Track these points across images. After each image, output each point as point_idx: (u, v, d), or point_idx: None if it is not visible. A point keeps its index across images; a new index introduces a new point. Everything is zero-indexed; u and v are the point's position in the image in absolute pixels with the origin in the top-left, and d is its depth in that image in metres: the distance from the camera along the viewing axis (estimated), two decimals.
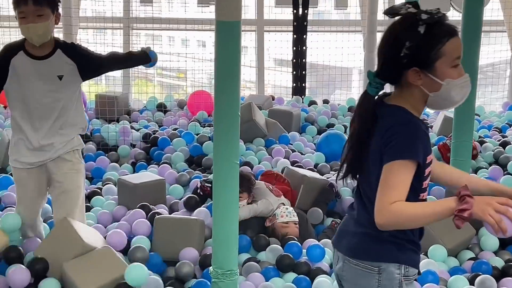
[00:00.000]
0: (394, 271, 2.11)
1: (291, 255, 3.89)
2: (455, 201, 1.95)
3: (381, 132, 2.05)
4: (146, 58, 3.95)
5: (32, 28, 3.40)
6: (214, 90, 3.23)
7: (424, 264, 3.86)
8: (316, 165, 5.88)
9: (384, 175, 2.00)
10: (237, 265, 3.34)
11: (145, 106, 7.82)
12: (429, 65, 2.02)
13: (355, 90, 9.32)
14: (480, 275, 3.71)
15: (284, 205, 4.42)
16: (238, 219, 3.29)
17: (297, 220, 4.29)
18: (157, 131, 6.67)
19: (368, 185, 2.10)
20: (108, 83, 8.42)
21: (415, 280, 2.22)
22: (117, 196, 4.95)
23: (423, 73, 2.03)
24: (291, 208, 4.37)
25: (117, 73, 8.77)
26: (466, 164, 4.68)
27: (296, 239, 4.11)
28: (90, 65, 3.65)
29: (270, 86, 9.43)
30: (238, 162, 3.20)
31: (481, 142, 6.56)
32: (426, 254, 4.05)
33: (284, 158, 5.93)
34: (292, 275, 3.80)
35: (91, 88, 8.07)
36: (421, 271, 3.73)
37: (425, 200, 2.14)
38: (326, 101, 8.17)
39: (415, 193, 2.07)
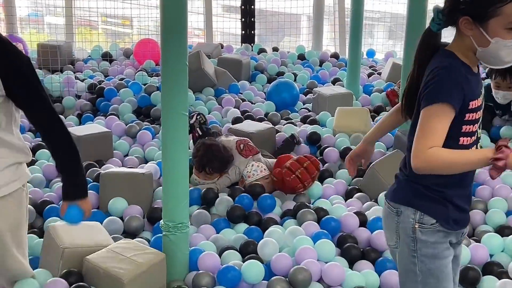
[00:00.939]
0: (409, 215, 2.21)
1: (241, 206, 3.87)
2: (492, 151, 2.00)
3: (425, 75, 2.09)
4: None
5: None
6: (160, 39, 3.12)
7: (374, 211, 3.92)
8: (266, 114, 5.86)
9: (422, 120, 2.04)
10: (188, 218, 3.30)
11: (89, 56, 7.58)
12: (483, 19, 2.01)
13: (305, 37, 9.24)
14: None
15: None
16: (187, 171, 3.24)
17: (267, 173, 4.22)
18: (103, 81, 6.49)
19: (412, 128, 2.16)
20: (50, 31, 8.12)
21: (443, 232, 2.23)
22: None
23: (475, 25, 2.03)
24: (258, 163, 4.27)
25: (60, 21, 8.46)
26: None
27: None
28: (18, 86, 2.46)
29: (219, 33, 9.26)
30: (187, 113, 3.13)
31: None
32: (376, 201, 4.10)
33: (234, 107, 5.89)
34: (243, 226, 3.80)
35: (32, 37, 7.77)
36: (370, 218, 3.78)
37: (467, 145, 2.16)
38: (275, 49, 8.09)
39: (454, 138, 2.11)
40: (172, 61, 3.04)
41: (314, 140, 5.06)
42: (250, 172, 4.22)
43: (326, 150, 4.81)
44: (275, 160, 4.33)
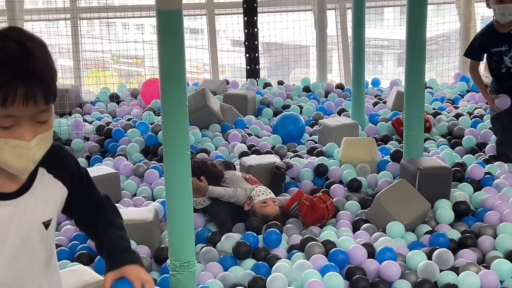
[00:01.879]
0: None
1: (247, 242, 3.87)
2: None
3: None
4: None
5: (25, 148, 1.49)
6: (160, 83, 3.17)
7: (382, 241, 3.90)
8: (273, 147, 5.89)
9: None
10: (195, 256, 3.31)
11: (97, 98, 7.68)
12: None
13: (314, 69, 9.27)
14: (437, 248, 3.76)
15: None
16: (191, 210, 3.26)
17: (275, 197, 4.35)
18: (111, 122, 6.56)
19: None
20: (62, 74, 8.23)
21: None
22: None
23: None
24: (266, 187, 4.41)
25: (69, 63, 8.57)
26: (419, 139, 4.74)
27: (278, 223, 4.14)
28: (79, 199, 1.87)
29: (227, 66, 9.37)
30: (189, 153, 3.16)
31: (435, 115, 6.64)
32: (384, 231, 4.09)
33: (240, 142, 5.92)
34: (250, 262, 3.79)
35: None
36: (378, 249, 3.77)
37: None
38: (281, 82, 8.15)
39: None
40: (172, 103, 3.09)
41: (321, 172, 5.06)
42: (260, 191, 4.30)
43: (333, 186, 4.82)
44: (284, 197, 4.51)
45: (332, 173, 5.06)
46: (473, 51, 5.29)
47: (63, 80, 7.98)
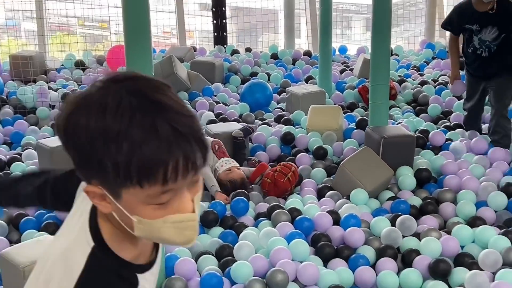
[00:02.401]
0: None
1: (215, 211, 3.92)
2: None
3: None
4: None
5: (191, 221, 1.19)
6: (125, 48, 3.14)
7: (346, 208, 3.98)
8: (241, 115, 5.91)
9: None
10: None
11: (62, 65, 7.55)
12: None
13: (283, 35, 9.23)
14: (400, 215, 3.85)
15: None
16: None
17: (237, 164, 4.41)
18: (76, 90, 6.47)
19: None
20: (28, 39, 8.03)
21: None
22: (37, 161, 4.84)
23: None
24: (228, 158, 4.45)
25: (33, 26, 8.36)
26: (384, 107, 4.80)
27: (245, 191, 4.18)
28: None
29: (195, 32, 9.28)
30: None
31: (400, 82, 6.71)
32: (348, 198, 4.17)
33: (208, 110, 5.93)
34: (218, 230, 3.85)
35: (3, 48, 7.73)
36: (343, 216, 3.85)
37: None
38: (248, 49, 8.12)
39: None
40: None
41: (288, 140, 5.11)
42: (222, 162, 4.36)
43: (299, 155, 4.87)
44: (248, 168, 4.53)
45: (298, 141, 5.11)
46: (448, 24, 5.13)
47: (27, 46, 7.81)
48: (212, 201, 4.08)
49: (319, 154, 4.85)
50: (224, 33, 8.28)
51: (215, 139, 4.62)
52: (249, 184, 4.36)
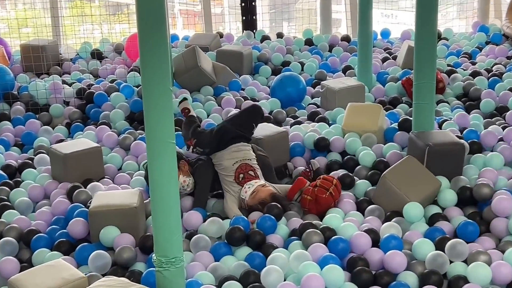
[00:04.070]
0: None
1: (241, 227, 3.91)
2: None
3: None
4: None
5: None
6: (139, 41, 3.11)
7: (387, 227, 3.93)
8: (271, 112, 5.87)
9: None
10: (182, 251, 3.33)
11: (77, 54, 7.60)
12: None
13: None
14: (447, 237, 3.78)
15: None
16: (178, 202, 3.26)
17: (263, 182, 4.33)
18: (93, 84, 6.51)
19: None
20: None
21: None
22: (50, 167, 4.89)
23: None
24: (250, 182, 4.35)
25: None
26: (429, 108, 4.70)
27: (278, 205, 4.14)
28: None
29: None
30: (174, 141, 3.14)
31: (449, 73, 6.57)
32: (394, 214, 4.10)
33: (235, 108, 5.89)
34: (244, 251, 3.84)
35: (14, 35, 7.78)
36: (383, 236, 3.79)
37: None
38: (280, 35, 8.04)
39: None
40: (155, 88, 3.05)
41: (321, 147, 5.04)
42: (245, 189, 4.29)
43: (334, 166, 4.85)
44: (283, 185, 4.48)
45: (333, 144, 5.05)
46: None
47: (38, 34, 7.85)
48: (234, 216, 4.06)
49: (350, 166, 4.83)
50: (254, 17, 8.21)
51: (244, 163, 4.45)
52: (286, 201, 4.30)
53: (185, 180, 4.42)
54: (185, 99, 5.02)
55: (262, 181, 4.37)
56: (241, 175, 4.40)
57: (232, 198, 4.34)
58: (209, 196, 4.49)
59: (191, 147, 4.52)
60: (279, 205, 4.14)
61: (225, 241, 3.90)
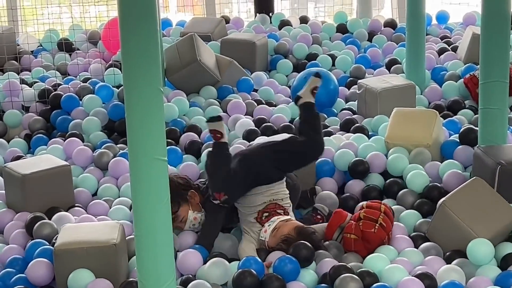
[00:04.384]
0: None
1: (253, 271, 3.90)
2: None
3: None
4: None
5: None
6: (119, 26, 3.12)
7: (446, 271, 3.91)
8: (292, 121, 5.86)
9: None
10: None
11: (40, 45, 7.66)
12: None
13: None
14: None
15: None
16: (171, 239, 3.26)
17: (287, 217, 4.34)
18: (60, 84, 6.55)
19: None
20: None
21: None
22: (3, 192, 4.93)
23: None
24: (273, 219, 4.36)
25: None
26: (501, 114, 4.70)
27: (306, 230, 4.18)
28: None
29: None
30: (165, 159, 3.14)
31: None
32: (457, 253, 4.10)
33: (245, 115, 5.90)
34: None
35: None
36: (441, 284, 3.77)
37: None
38: (304, 20, 8.06)
39: None
40: (141, 88, 3.06)
41: (358, 173, 5.04)
42: (265, 228, 4.30)
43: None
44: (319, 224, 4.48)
45: (372, 161, 5.05)
46: None
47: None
48: (244, 258, 4.06)
49: (393, 192, 4.83)
50: None
51: (273, 202, 4.44)
52: (320, 239, 4.29)
53: (195, 217, 4.45)
54: (219, 118, 4.61)
55: (285, 216, 4.36)
56: (266, 214, 4.40)
57: (250, 239, 4.35)
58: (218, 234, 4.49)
59: (217, 200, 4.39)
60: (308, 244, 4.10)
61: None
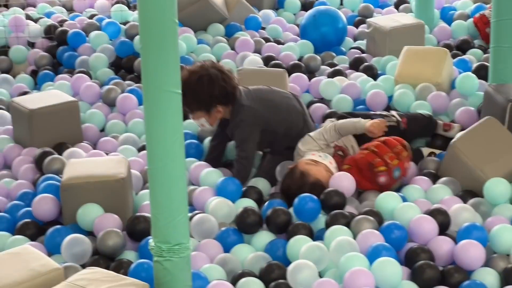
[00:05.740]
0: None
1: (255, 210, 3.92)
2: None
3: None
4: None
5: None
6: None
7: (458, 209, 3.89)
8: (301, 59, 5.86)
9: None
10: (189, 236, 3.29)
11: None
12: None
13: None
14: None
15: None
16: (184, 171, 3.21)
17: (334, 169, 4.22)
18: (66, 20, 6.51)
19: None
20: None
21: None
22: (11, 127, 4.92)
23: None
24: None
25: None
26: None
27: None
28: None
29: None
30: (179, 91, 3.08)
31: None
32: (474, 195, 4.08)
33: (253, 52, 5.88)
34: (263, 237, 3.83)
35: None
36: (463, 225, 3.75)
37: None
38: None
39: None
40: (154, 21, 2.99)
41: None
42: (317, 153, 4.25)
43: None
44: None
45: (372, 99, 5.07)
46: None
47: None
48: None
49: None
50: None
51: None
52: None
53: (204, 124, 4.47)
54: None
55: (335, 169, 4.23)
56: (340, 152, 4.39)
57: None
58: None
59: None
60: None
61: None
